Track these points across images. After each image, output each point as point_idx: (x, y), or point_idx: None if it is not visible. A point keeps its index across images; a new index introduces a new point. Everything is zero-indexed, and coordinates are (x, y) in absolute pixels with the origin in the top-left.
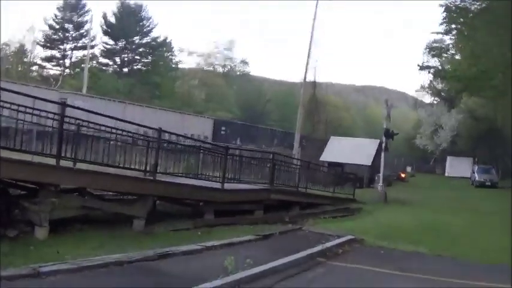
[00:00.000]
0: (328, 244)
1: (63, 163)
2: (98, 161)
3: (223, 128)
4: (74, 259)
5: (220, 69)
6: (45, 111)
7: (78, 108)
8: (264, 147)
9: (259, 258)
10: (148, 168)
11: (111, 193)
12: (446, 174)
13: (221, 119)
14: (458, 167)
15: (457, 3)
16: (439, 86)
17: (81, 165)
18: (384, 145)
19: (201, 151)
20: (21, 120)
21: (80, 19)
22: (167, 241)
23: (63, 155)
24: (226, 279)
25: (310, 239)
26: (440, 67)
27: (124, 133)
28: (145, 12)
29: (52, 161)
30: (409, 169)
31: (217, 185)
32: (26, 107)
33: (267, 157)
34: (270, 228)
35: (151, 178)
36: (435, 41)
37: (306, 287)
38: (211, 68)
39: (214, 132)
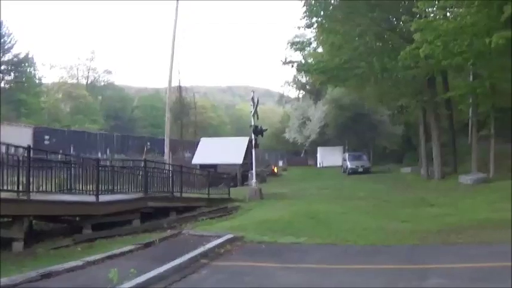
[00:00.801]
0: (209, 245)
1: None
2: None
3: (46, 137)
4: None
5: (84, 81)
6: None
7: None
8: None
9: (142, 267)
10: (21, 188)
11: None
12: (318, 165)
13: (44, 127)
14: (329, 157)
15: None
16: (304, 80)
17: None
18: (253, 142)
19: (72, 165)
20: None
21: None
22: (48, 260)
23: None
24: None
25: (191, 242)
26: (303, 61)
27: None
28: (5, 28)
29: None
30: (280, 163)
31: (92, 198)
32: None
33: (139, 165)
34: (150, 236)
35: (26, 198)
36: (297, 36)
37: None
38: (75, 81)
39: (36, 142)
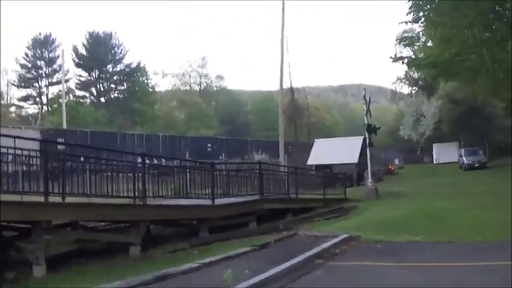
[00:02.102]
0: (325, 245)
1: (52, 199)
2: (87, 193)
3: (60, 140)
4: None
5: (196, 87)
6: (28, 149)
7: (57, 143)
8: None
9: (257, 268)
10: (137, 194)
11: (103, 223)
12: (434, 162)
13: (56, 129)
14: (445, 153)
15: None
16: (415, 76)
17: (70, 199)
18: (368, 141)
19: (188, 170)
20: (5, 161)
21: (51, 55)
22: (165, 264)
23: (50, 190)
24: None
25: (307, 242)
26: (413, 56)
27: (108, 162)
28: (115, 39)
29: (41, 198)
30: (396, 161)
31: (208, 202)
32: (7, 147)
33: (253, 168)
34: (266, 238)
35: (142, 203)
36: (405, 31)
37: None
38: (187, 87)
39: (46, 145)
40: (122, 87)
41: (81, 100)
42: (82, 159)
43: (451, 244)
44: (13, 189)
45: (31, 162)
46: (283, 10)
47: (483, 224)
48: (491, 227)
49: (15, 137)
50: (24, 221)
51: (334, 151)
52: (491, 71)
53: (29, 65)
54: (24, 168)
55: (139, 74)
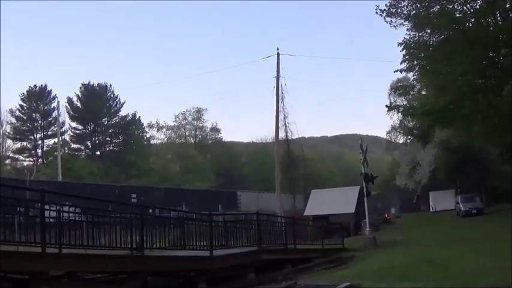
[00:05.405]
0: None
1: (49, 250)
2: (84, 244)
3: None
4: None
5: (191, 140)
6: (25, 200)
7: (56, 193)
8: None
9: None
10: (134, 245)
11: (100, 275)
12: (431, 210)
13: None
14: (442, 201)
15: (415, 39)
16: (410, 124)
17: (67, 250)
18: (365, 190)
19: (186, 221)
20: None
21: (46, 107)
22: None
23: (47, 241)
24: None
25: None
26: (408, 105)
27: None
28: (110, 92)
29: (38, 249)
30: (393, 210)
31: (206, 253)
32: (4, 197)
33: (251, 219)
34: None
35: (139, 254)
36: (399, 80)
37: None
38: (183, 140)
39: None
40: (117, 140)
41: (76, 153)
42: (79, 210)
43: None
44: (9, 239)
45: (28, 213)
46: (277, 63)
47: (484, 269)
48: (492, 271)
49: (13, 187)
50: (22, 272)
51: (331, 201)
52: (486, 117)
53: (24, 117)
54: (21, 218)
55: (134, 127)
